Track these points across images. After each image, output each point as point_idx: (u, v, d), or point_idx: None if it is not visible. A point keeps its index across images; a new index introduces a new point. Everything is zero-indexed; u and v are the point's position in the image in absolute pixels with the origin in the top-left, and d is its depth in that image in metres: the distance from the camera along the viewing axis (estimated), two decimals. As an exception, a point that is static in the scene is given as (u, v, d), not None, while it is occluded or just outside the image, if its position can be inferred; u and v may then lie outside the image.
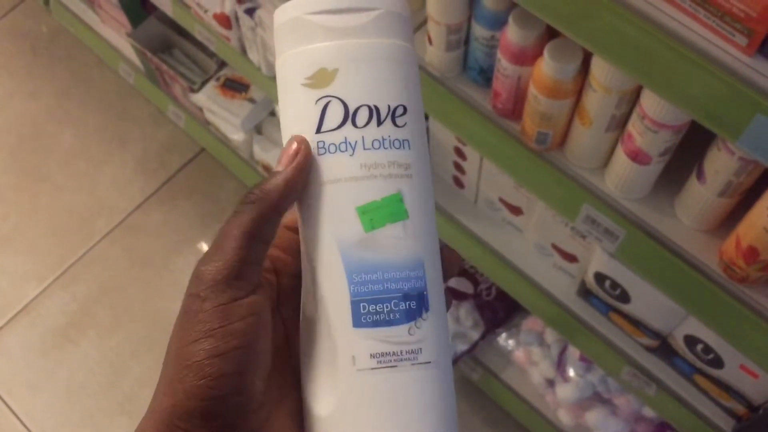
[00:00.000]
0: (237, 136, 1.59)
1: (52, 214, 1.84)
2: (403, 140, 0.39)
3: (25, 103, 1.99)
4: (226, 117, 1.56)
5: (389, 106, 0.39)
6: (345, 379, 0.38)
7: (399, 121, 0.40)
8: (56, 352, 1.68)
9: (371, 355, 0.38)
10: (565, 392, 1.33)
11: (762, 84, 0.59)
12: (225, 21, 1.27)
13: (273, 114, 1.60)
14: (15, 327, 1.71)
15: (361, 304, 0.38)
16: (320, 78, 0.40)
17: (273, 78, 1.31)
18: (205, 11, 1.29)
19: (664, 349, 1.03)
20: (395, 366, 0.38)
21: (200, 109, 1.62)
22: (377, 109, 0.39)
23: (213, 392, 0.36)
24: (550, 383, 1.38)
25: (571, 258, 1.08)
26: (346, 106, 0.39)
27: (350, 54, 0.40)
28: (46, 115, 1.97)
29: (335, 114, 0.39)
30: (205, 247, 1.79)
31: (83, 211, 1.84)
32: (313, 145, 0.39)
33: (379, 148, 0.39)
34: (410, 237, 0.39)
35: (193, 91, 1.57)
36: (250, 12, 1.21)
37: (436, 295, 0.40)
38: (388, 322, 0.38)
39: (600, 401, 1.32)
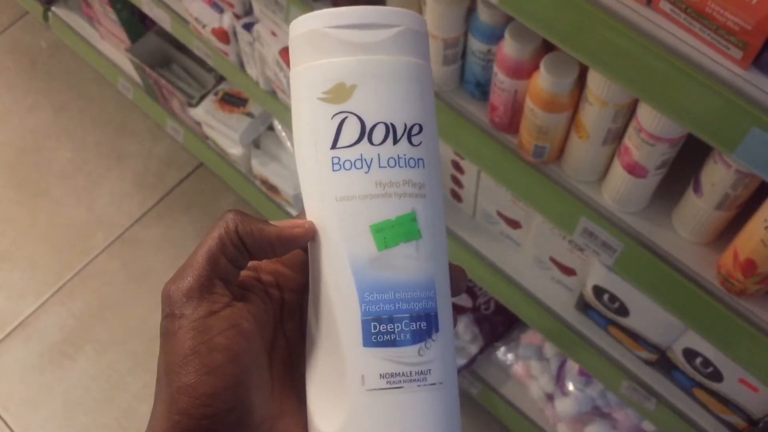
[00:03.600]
0: (235, 150, 1.59)
1: (50, 229, 1.84)
2: (418, 159, 0.39)
3: (23, 118, 2.00)
4: (225, 131, 1.56)
5: (406, 125, 0.39)
6: (353, 398, 0.38)
7: (415, 139, 0.39)
8: (53, 368, 1.67)
9: (381, 375, 0.38)
10: (564, 406, 1.32)
11: (757, 97, 0.59)
12: (223, 36, 1.28)
13: (271, 128, 1.60)
14: (12, 343, 1.70)
15: (372, 323, 0.38)
16: (338, 93, 0.39)
17: (271, 92, 1.32)
18: (204, 26, 1.29)
19: (663, 362, 1.02)
20: (403, 387, 0.38)
21: (198, 124, 1.62)
22: (394, 127, 0.39)
23: (209, 410, 0.35)
24: (550, 397, 1.37)
25: (569, 271, 1.08)
26: (363, 122, 0.39)
27: (370, 70, 0.39)
28: (44, 129, 1.98)
29: (352, 130, 0.39)
30: (203, 261, 1.79)
31: (81, 225, 1.84)
32: (327, 161, 0.39)
33: (394, 166, 0.39)
34: (422, 257, 0.39)
35: (191, 105, 1.58)
36: (248, 27, 1.22)
37: (445, 316, 0.40)
38: (399, 343, 0.38)
39: (599, 415, 1.31)
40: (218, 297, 0.37)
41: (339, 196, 0.39)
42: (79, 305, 1.74)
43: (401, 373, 0.38)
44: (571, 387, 1.32)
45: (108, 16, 1.63)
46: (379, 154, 0.39)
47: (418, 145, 0.40)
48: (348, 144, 0.39)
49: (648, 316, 0.95)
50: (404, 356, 0.38)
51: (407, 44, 0.40)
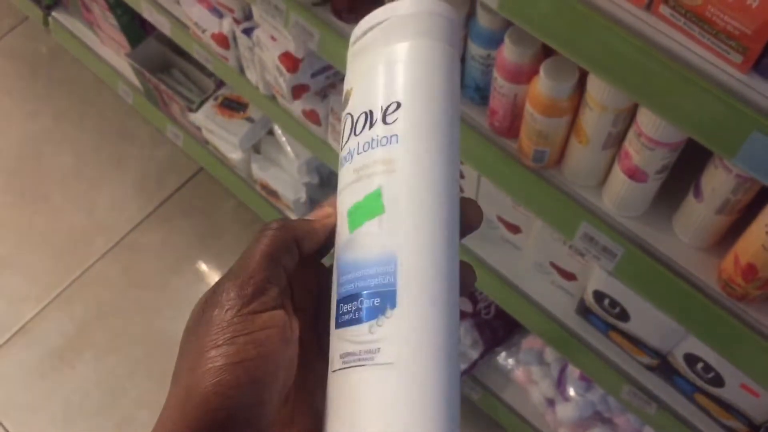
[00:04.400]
0: (235, 155, 1.59)
1: (50, 235, 1.84)
2: (391, 136, 0.39)
3: (23, 123, 2.00)
4: (224, 136, 1.56)
5: (382, 107, 0.40)
6: (328, 380, 0.38)
7: (389, 118, 0.40)
8: (53, 374, 1.67)
9: (340, 355, 0.38)
10: (565, 411, 1.32)
11: (758, 101, 0.59)
12: (223, 41, 1.28)
13: (271, 133, 1.60)
14: (12, 348, 1.70)
15: (340, 305, 0.39)
16: (347, 99, 0.43)
17: (271, 97, 1.31)
18: (204, 31, 1.29)
19: (664, 367, 1.02)
20: (353, 367, 0.36)
21: (198, 129, 1.62)
22: (371, 112, 0.40)
23: (228, 401, 0.35)
24: (551, 402, 1.37)
25: (569, 276, 1.08)
26: (353, 119, 0.41)
27: (359, 71, 0.42)
28: (44, 135, 1.98)
29: (348, 129, 0.42)
30: (203, 266, 1.79)
31: (81, 231, 1.84)
32: (341, 160, 0.42)
33: (368, 149, 0.40)
34: (384, 232, 0.38)
35: (191, 110, 1.58)
36: (248, 32, 1.22)
37: (412, 291, 0.36)
38: (353, 321, 0.37)
39: (600, 420, 1.31)
40: (267, 300, 0.38)
41: (339, 189, 0.41)
42: (79, 311, 1.74)
43: (352, 353, 0.37)
44: (572, 392, 1.32)
45: (108, 21, 1.63)
46: (358, 143, 0.40)
47: (393, 122, 0.39)
48: (344, 143, 0.42)
49: (649, 321, 0.95)
50: (357, 335, 0.37)
51: (392, 32, 0.41)
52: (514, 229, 1.11)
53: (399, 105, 0.40)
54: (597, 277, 0.96)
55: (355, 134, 0.41)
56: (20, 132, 1.99)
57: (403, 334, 0.36)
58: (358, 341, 0.37)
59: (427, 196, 0.38)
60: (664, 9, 0.61)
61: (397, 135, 0.39)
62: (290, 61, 1.16)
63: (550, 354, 1.38)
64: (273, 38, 1.17)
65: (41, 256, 1.81)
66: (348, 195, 0.40)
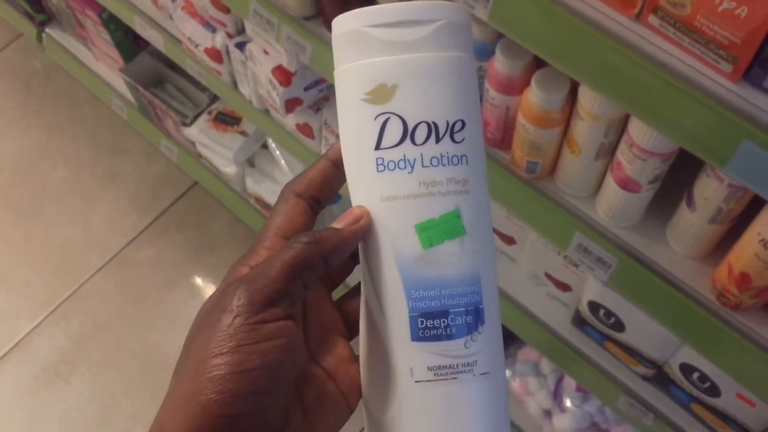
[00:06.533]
0: (229, 169, 1.59)
1: (45, 250, 1.83)
2: (461, 156, 0.40)
3: (18, 139, 2.00)
4: (219, 150, 1.56)
5: (447, 122, 0.39)
6: (403, 389, 0.40)
7: (457, 136, 0.40)
8: (48, 390, 1.66)
9: (428, 368, 0.39)
10: (562, 423, 1.31)
11: (748, 110, 0.59)
12: (216, 55, 1.28)
13: (265, 147, 1.60)
14: (6, 365, 1.69)
15: (419, 320, 0.39)
16: (380, 94, 0.39)
17: (264, 111, 1.32)
18: (197, 46, 1.29)
19: (660, 377, 1.02)
20: (451, 378, 0.39)
21: (193, 143, 1.62)
22: (436, 125, 0.39)
23: (229, 410, 0.35)
24: (548, 414, 1.37)
25: (564, 287, 1.08)
26: (405, 123, 0.39)
27: (409, 69, 0.39)
28: (39, 150, 1.98)
29: (394, 131, 0.39)
30: (198, 281, 1.78)
31: (76, 246, 1.83)
32: (371, 161, 0.40)
33: (437, 165, 0.39)
34: (467, 253, 0.40)
35: (185, 125, 1.58)
36: (240, 46, 1.22)
37: (491, 307, 0.40)
38: (445, 337, 0.39)
39: (597, 431, 1.30)
40: (278, 311, 0.37)
41: (384, 196, 0.40)
42: (74, 326, 1.73)
43: (448, 366, 0.39)
44: (568, 403, 1.31)
45: (102, 37, 1.63)
46: (422, 154, 0.39)
47: (461, 141, 0.40)
48: (391, 145, 0.39)
49: (644, 331, 0.95)
50: (451, 349, 0.39)
51: (447, 39, 0.40)
52: (509, 240, 1.11)
53: (464, 124, 0.40)
54: (592, 288, 0.96)
55: (414, 142, 0.39)
56: (14, 147, 1.98)
57: (492, 347, 0.40)
58: (454, 355, 0.39)
59: (490, 218, 0.42)
60: (653, 19, 0.61)
61: (466, 155, 0.40)
62: (283, 75, 1.16)
63: (546, 365, 1.38)
64: (266, 52, 1.17)
65: (36, 272, 1.80)
66: (414, 208, 0.39)
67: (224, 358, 0.35)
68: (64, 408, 1.64)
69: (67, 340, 1.71)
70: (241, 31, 1.24)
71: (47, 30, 1.85)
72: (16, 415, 1.64)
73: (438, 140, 0.39)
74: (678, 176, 0.78)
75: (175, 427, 0.35)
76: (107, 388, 1.66)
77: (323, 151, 1.28)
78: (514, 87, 0.82)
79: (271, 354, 0.36)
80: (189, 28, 1.28)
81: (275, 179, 1.58)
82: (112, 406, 1.63)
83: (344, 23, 0.40)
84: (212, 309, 0.38)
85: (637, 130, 0.73)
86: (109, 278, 1.79)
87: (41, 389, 1.66)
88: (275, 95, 1.19)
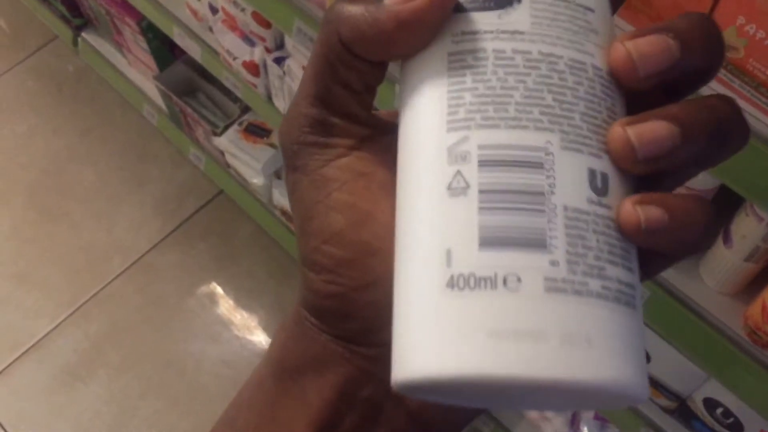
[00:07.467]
0: (257, 180, 1.60)
1: (69, 252, 1.85)
2: None
3: (48, 140, 2.02)
4: (247, 161, 1.58)
5: None
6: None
7: None
8: (65, 391, 1.67)
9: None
10: (578, 451, 1.31)
11: (794, 153, 0.60)
12: (254, 69, 1.30)
13: (293, 160, 1.61)
14: (25, 363, 1.71)
15: None
16: None
17: (297, 126, 1.33)
18: (235, 59, 1.31)
19: (682, 411, 1.02)
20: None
21: (222, 153, 1.64)
22: None
23: (332, 288, 0.28)
24: (564, 441, 1.37)
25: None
26: None
27: None
28: (68, 152, 2.00)
29: None
30: (218, 289, 1.80)
31: (100, 249, 1.85)
32: None
33: None
34: None
35: (215, 134, 1.60)
36: (278, 61, 1.24)
37: None
38: None
39: (614, 461, 1.30)
40: (338, 140, 0.28)
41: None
42: (94, 328, 1.74)
43: None
44: (586, 431, 1.31)
45: (138, 45, 1.66)
46: None
47: None
48: None
49: (669, 363, 0.95)
50: None
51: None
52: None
53: None
54: (619, 318, 0.96)
55: None
56: (44, 149, 2.01)
57: None
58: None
59: None
60: (703, 59, 0.62)
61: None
62: (320, 92, 1.17)
63: (564, 392, 1.38)
64: (304, 68, 1.19)
65: (59, 273, 1.82)
66: None
67: (308, 228, 0.29)
68: (81, 409, 1.65)
69: (87, 341, 1.73)
70: (280, 46, 1.26)
71: (83, 34, 1.88)
72: (32, 414, 1.65)
73: None
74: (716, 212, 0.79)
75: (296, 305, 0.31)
76: (124, 391, 1.67)
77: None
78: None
79: (352, 203, 0.28)
80: (228, 41, 1.30)
81: (302, 193, 1.59)
82: (128, 409, 1.64)
83: None
84: (285, 170, 0.30)
85: (677, 165, 0.73)
86: (131, 282, 1.81)
87: (59, 389, 1.67)
88: (311, 111, 1.21)
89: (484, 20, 0.26)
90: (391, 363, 0.25)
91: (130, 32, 1.64)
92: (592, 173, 0.24)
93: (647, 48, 0.25)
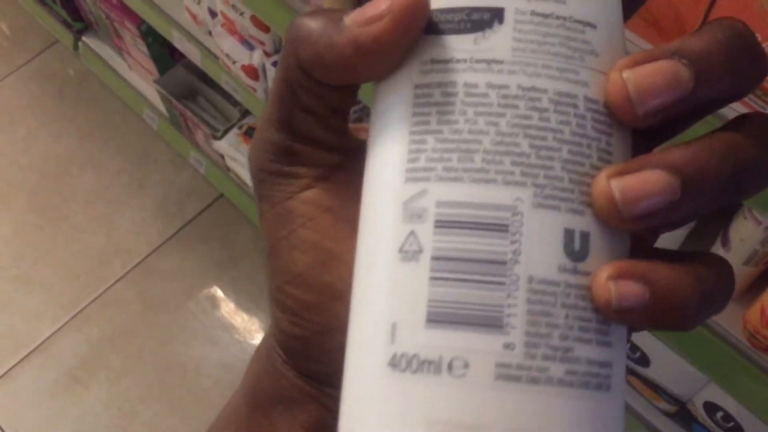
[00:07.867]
0: (257, 184, 1.60)
1: (70, 255, 1.85)
2: None
3: (48, 143, 2.02)
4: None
5: None
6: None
7: None
8: (66, 394, 1.67)
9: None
10: (579, 454, 1.31)
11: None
12: (253, 73, 1.30)
13: (293, 163, 1.61)
14: (26, 366, 1.71)
15: None
16: None
17: (297, 129, 1.33)
18: (234, 62, 1.31)
19: (682, 414, 1.02)
20: None
21: (222, 156, 1.64)
22: None
23: (297, 330, 0.27)
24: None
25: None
26: None
27: None
28: (68, 156, 2.00)
29: None
30: (219, 292, 1.80)
31: (100, 252, 1.85)
32: None
33: None
34: None
35: (215, 138, 1.60)
36: (277, 65, 1.24)
37: None
38: None
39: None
40: (303, 169, 0.26)
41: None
42: (95, 332, 1.74)
43: None
44: (586, 435, 1.31)
45: (138, 48, 1.66)
46: None
47: None
48: None
49: (669, 367, 0.95)
50: None
51: None
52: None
53: None
54: (619, 322, 0.96)
55: None
56: (45, 152, 2.01)
57: None
58: None
59: None
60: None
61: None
62: (319, 95, 1.17)
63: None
64: (303, 72, 1.19)
65: (59, 276, 1.82)
66: None
67: (273, 264, 0.27)
68: (81, 413, 1.65)
69: (88, 345, 1.73)
70: (279, 50, 1.26)
71: (84, 38, 1.88)
72: (32, 418, 1.65)
73: None
74: (713, 216, 0.79)
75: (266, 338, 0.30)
76: (124, 395, 1.67)
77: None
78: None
79: (316, 241, 0.26)
80: (227, 45, 1.30)
81: (302, 196, 1.59)
82: (128, 413, 1.64)
83: None
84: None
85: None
86: (131, 285, 1.81)
87: (60, 393, 1.67)
88: (310, 115, 1.21)
89: (457, 45, 0.22)
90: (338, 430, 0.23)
91: (130, 36, 1.64)
92: (569, 235, 0.21)
93: (648, 80, 0.20)
